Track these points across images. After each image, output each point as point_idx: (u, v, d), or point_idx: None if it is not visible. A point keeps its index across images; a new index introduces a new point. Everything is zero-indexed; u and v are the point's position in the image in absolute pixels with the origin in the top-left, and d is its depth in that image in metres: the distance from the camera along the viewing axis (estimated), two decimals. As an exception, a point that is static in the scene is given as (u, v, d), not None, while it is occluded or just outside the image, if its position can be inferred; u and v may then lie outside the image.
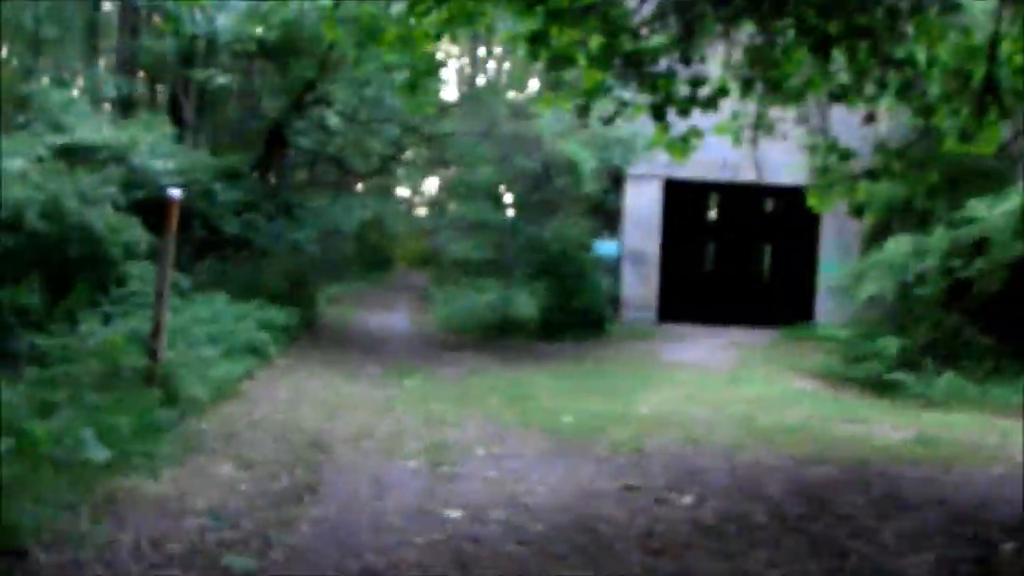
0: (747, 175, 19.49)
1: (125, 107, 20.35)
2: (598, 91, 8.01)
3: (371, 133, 21.86)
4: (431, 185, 41.48)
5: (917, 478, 8.22)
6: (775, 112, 8.71)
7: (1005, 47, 7.68)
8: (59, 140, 13.52)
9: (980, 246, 13.33)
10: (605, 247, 22.00)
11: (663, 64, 7.78)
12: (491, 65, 38.59)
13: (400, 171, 32.54)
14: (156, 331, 9.25)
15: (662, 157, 9.93)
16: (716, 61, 8.13)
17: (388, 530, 5.95)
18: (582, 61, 7.64)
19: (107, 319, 11.03)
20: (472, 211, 23.78)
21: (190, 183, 15.22)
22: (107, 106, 19.91)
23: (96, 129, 14.48)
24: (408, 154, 26.81)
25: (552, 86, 11.19)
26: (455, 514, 6.41)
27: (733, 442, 9.45)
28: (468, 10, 6.99)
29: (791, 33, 7.56)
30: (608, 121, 8.82)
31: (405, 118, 18.93)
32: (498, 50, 35.76)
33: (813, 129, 9.14)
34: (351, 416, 9.84)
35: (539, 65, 8.10)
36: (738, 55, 8.03)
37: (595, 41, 7.52)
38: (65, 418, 6.81)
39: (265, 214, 17.93)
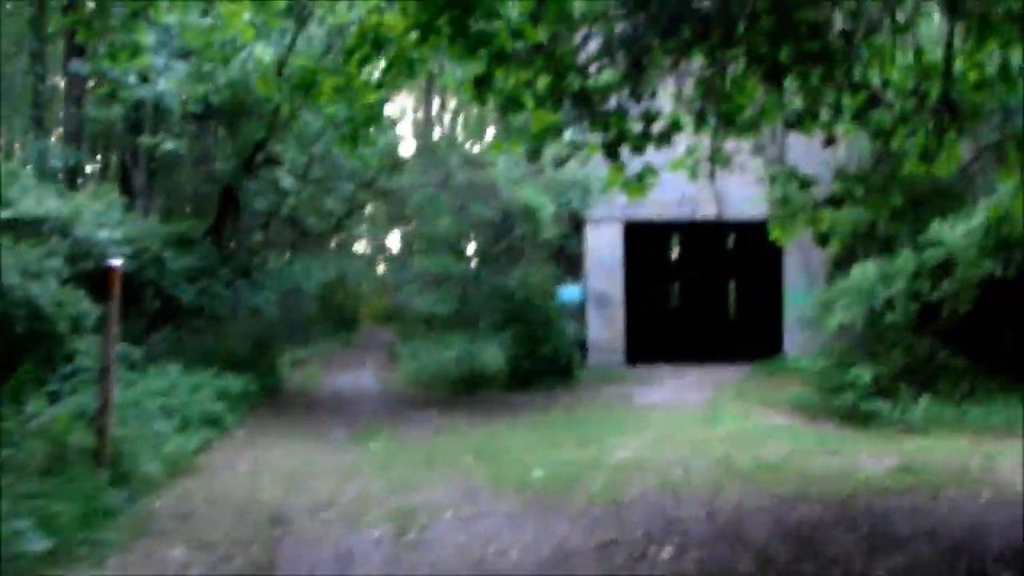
0: (707, 210, 19.42)
1: (73, 178, 19.95)
2: (548, 133, 7.76)
3: (325, 191, 21.58)
4: (393, 240, 41.25)
5: (904, 509, 7.98)
6: (731, 144, 8.52)
7: (959, 64, 7.55)
8: (2, 214, 13.11)
9: (946, 267, 13.22)
10: (569, 292, 21.78)
11: (614, 101, 7.58)
12: (447, 117, 38.62)
13: (359, 227, 32.26)
14: (104, 407, 8.81)
15: (621, 199, 9.73)
16: (667, 95, 7.94)
17: (351, 609, 5.56)
18: (530, 103, 7.40)
19: (54, 397, 10.56)
20: (434, 264, 23.57)
21: (139, 252, 14.84)
22: (60, 176, 19.50)
23: (40, 201, 14.07)
24: (368, 210, 26.59)
25: (504, 132, 10.99)
26: (422, 585, 6.03)
27: (712, 485, 9.13)
28: (407, 57, 6.71)
29: (742, 62, 7.38)
30: (561, 163, 8.62)
31: (359, 174, 18.68)
32: (453, 102, 35.80)
33: (771, 159, 8.97)
34: (313, 485, 9.41)
35: (495, 113, 7.88)
36: (689, 88, 7.85)
37: (542, 81, 7.29)
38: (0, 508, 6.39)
39: (222, 279, 17.53)
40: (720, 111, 7.87)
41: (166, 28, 13.87)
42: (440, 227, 22.46)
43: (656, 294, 28.53)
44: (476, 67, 7.17)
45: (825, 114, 7.81)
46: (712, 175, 8.31)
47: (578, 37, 7.54)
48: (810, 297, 17.91)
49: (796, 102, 7.84)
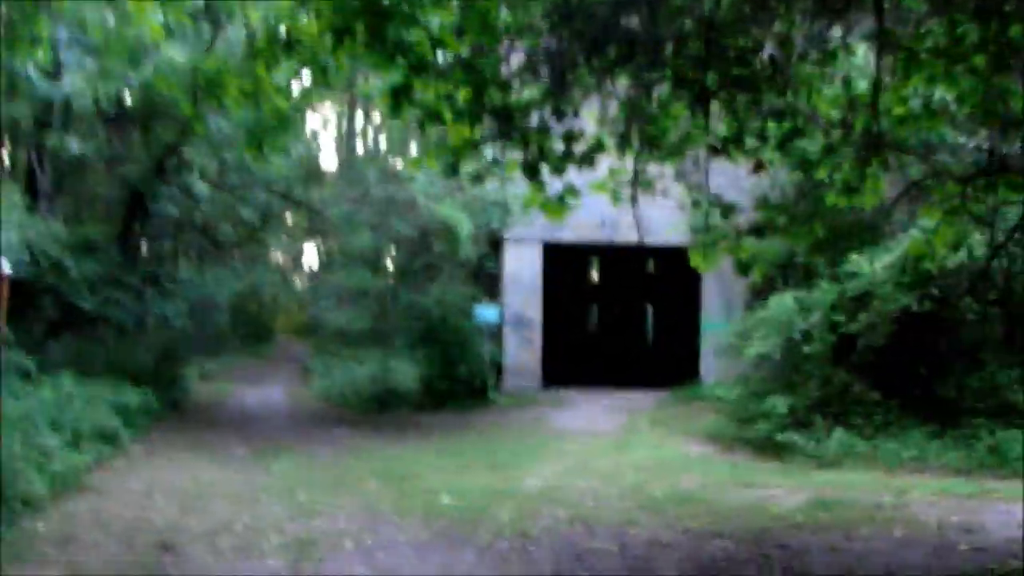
0: (627, 235, 19.28)
1: (-26, 178, 19.11)
2: (467, 149, 7.47)
3: (239, 198, 20.96)
4: (310, 253, 40.59)
5: (818, 547, 7.84)
6: (654, 168, 8.31)
7: (885, 99, 7.46)
8: None
9: (864, 300, 13.24)
10: (486, 313, 21.45)
11: (535, 118, 7.33)
12: (372, 130, 38.16)
13: (276, 239, 31.57)
14: (-16, 422, 8.28)
15: (541, 220, 9.47)
16: (591, 116, 7.71)
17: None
18: (449, 117, 7.11)
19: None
20: (351, 279, 23.09)
21: (38, 257, 14.18)
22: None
23: (-68, 202, 13.37)
24: (286, 221, 26.03)
25: (424, 147, 10.68)
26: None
27: (624, 517, 8.90)
28: (320, 61, 6.36)
29: (668, 85, 7.19)
30: (477, 180, 8.30)
31: (274, 183, 18.18)
32: (377, 116, 35.35)
33: (693, 185, 8.78)
34: (209, 508, 8.95)
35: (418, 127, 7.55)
36: (614, 109, 7.62)
37: (463, 95, 7.01)
38: None
39: (128, 288, 16.88)
40: (644, 134, 7.67)
41: (80, 23, 13.28)
42: (358, 242, 21.99)
43: (574, 317, 28.39)
44: (394, 77, 6.86)
45: (750, 141, 7.66)
46: (634, 199, 8.09)
47: (501, 50, 7.27)
48: (726, 325, 17.87)
49: (722, 128, 7.68)
